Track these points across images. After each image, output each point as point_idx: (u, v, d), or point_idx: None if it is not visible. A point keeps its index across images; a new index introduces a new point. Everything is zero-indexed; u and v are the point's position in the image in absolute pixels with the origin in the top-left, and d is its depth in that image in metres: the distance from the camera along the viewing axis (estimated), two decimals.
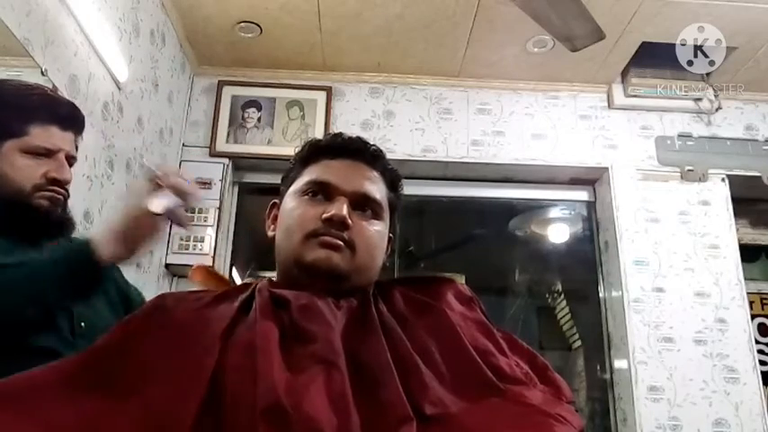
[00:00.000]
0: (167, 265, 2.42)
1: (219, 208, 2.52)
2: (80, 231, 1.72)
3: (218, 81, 2.73)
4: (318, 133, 2.64)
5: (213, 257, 2.43)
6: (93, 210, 1.82)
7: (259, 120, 2.70)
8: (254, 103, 2.72)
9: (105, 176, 1.89)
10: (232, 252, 2.65)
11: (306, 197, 0.81)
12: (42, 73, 1.50)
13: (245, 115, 2.70)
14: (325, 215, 0.77)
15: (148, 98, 2.23)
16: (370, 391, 0.62)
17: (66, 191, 1.05)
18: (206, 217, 2.48)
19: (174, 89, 2.52)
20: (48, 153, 1.01)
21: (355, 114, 2.74)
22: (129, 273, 2.08)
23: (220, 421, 0.58)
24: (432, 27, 2.47)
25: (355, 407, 0.60)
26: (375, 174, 0.85)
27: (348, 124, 2.70)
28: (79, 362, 0.64)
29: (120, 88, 1.97)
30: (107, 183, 1.90)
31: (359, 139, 0.87)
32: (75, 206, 1.70)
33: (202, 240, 2.45)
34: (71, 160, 1.06)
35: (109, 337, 0.68)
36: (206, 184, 2.54)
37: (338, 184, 0.81)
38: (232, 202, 2.71)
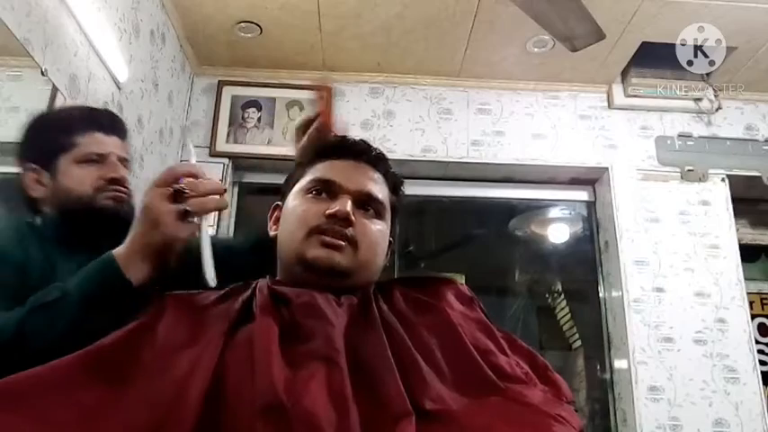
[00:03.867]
0: None
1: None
2: None
3: (218, 81, 2.73)
4: None
5: None
6: None
7: (259, 120, 2.70)
8: (254, 103, 2.72)
9: None
10: None
11: (310, 195, 0.82)
12: (42, 73, 1.50)
13: (245, 115, 2.70)
14: (328, 211, 0.78)
15: (148, 98, 2.23)
16: (370, 387, 0.63)
17: (128, 189, 1.09)
18: (206, 217, 2.48)
19: (174, 89, 2.52)
20: (99, 158, 1.06)
21: (355, 114, 2.74)
22: None
23: (221, 419, 0.59)
24: (432, 27, 2.47)
25: (355, 403, 0.60)
26: (378, 175, 0.86)
27: (348, 124, 2.70)
28: (82, 359, 0.64)
29: (120, 88, 1.97)
30: None
31: (363, 141, 0.89)
32: None
33: None
34: (124, 162, 1.10)
35: (111, 337, 0.68)
36: None
37: (342, 182, 0.82)
38: (232, 203, 2.70)
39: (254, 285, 0.77)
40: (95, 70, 1.81)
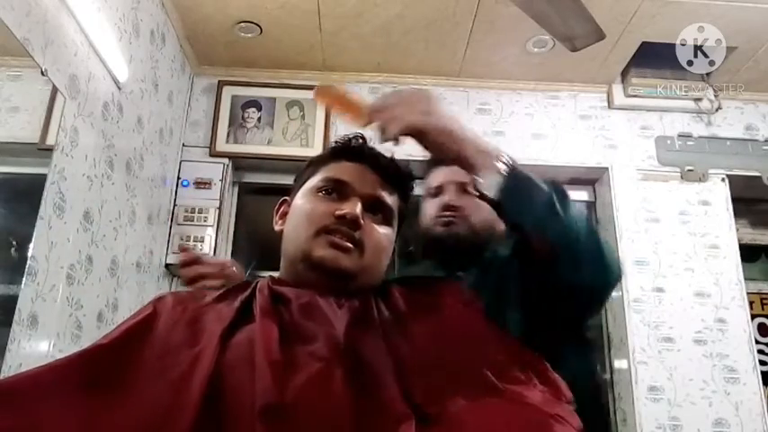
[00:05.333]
0: (167, 266, 2.42)
1: (219, 208, 2.52)
2: (80, 232, 1.72)
3: (218, 81, 2.73)
4: (318, 133, 2.64)
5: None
6: (93, 210, 1.82)
7: (259, 120, 2.70)
8: (254, 103, 2.72)
9: (105, 176, 1.89)
10: (232, 252, 2.65)
11: (320, 194, 0.83)
12: (42, 73, 1.50)
13: (245, 115, 2.70)
14: (338, 212, 0.78)
15: (148, 98, 2.23)
16: (370, 389, 0.63)
17: (461, 214, 1.16)
18: (206, 217, 2.48)
19: (174, 89, 2.52)
20: (437, 190, 1.21)
21: None
22: (129, 272, 2.09)
23: (220, 421, 0.58)
24: (432, 27, 2.47)
25: (354, 406, 0.60)
26: (389, 181, 0.87)
27: (348, 125, 2.70)
28: (79, 361, 0.64)
29: (120, 88, 1.97)
30: (107, 183, 1.90)
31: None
32: (75, 206, 1.70)
33: (202, 240, 2.45)
34: (463, 186, 1.19)
35: (109, 337, 0.68)
36: (206, 184, 2.55)
37: (354, 184, 0.82)
38: (232, 202, 2.71)
39: (253, 285, 0.77)
40: (95, 70, 1.81)
